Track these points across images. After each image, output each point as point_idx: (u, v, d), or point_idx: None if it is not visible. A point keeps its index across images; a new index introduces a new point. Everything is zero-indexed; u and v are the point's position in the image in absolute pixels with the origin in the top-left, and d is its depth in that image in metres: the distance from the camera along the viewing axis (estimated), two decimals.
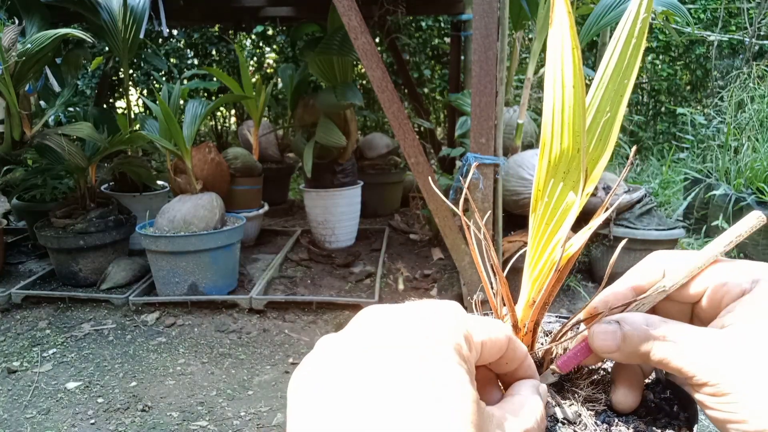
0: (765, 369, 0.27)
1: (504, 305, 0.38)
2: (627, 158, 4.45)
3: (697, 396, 0.29)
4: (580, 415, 0.34)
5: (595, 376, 0.37)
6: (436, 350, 0.23)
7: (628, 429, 0.33)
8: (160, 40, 5.67)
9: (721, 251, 0.33)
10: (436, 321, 0.24)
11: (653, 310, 0.34)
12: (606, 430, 0.33)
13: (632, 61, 0.31)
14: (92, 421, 1.74)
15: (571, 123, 0.31)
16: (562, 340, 0.37)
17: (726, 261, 0.33)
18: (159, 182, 3.27)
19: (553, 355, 0.39)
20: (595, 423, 0.33)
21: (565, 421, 0.34)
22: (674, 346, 0.29)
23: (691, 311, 0.35)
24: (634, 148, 0.40)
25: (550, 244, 0.34)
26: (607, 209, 0.35)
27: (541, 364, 0.38)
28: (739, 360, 0.27)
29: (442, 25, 5.56)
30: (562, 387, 0.36)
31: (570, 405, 0.35)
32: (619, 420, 0.34)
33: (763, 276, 0.31)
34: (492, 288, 0.39)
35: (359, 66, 4.54)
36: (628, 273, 0.36)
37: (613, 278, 0.36)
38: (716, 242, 0.33)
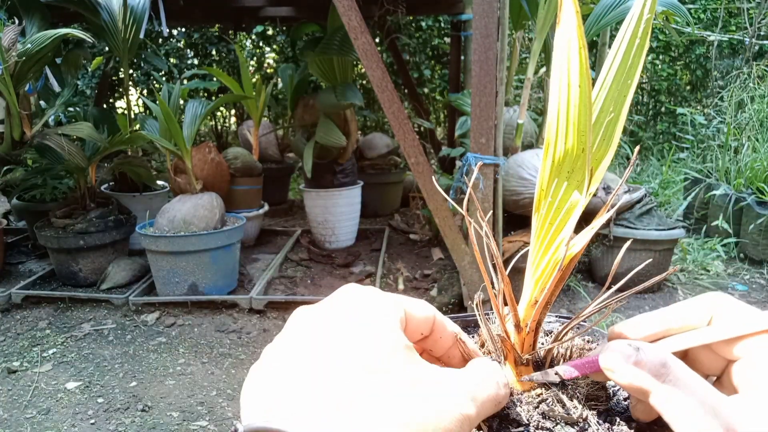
0: None
1: (506, 305, 0.38)
2: (627, 158, 4.45)
3: None
4: (582, 415, 0.34)
5: None
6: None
7: (630, 428, 0.33)
8: (160, 40, 5.67)
9: None
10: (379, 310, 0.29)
11: (685, 351, 0.32)
12: (608, 429, 0.33)
13: (636, 61, 0.31)
14: (92, 421, 1.74)
15: (576, 123, 0.31)
16: (563, 340, 0.37)
17: None
18: (159, 182, 3.27)
19: (555, 355, 0.39)
20: (598, 422, 0.33)
21: (569, 420, 0.33)
22: (672, 403, 0.27)
23: (725, 367, 0.32)
24: (636, 148, 0.40)
25: (554, 244, 0.34)
26: (610, 209, 0.35)
27: (543, 363, 0.38)
28: None
29: (442, 25, 5.56)
30: (563, 384, 0.36)
31: (573, 404, 0.35)
32: (621, 419, 0.34)
33: None
34: (494, 287, 0.39)
35: (359, 66, 4.54)
36: (675, 305, 0.33)
37: (614, 279, 0.36)
38: None
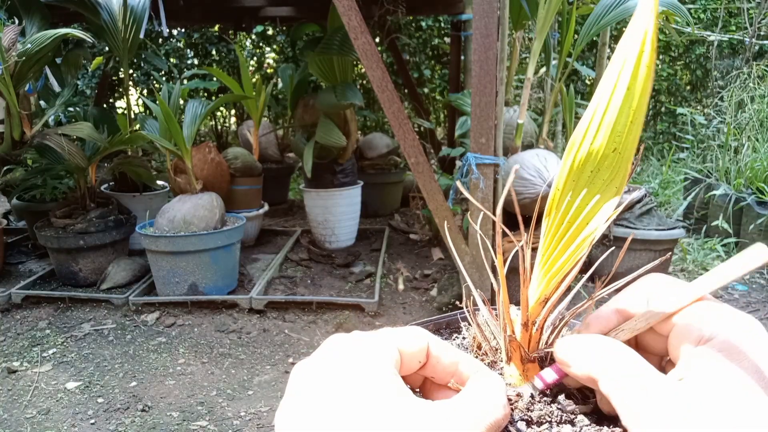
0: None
1: (509, 305, 0.38)
2: None
3: None
4: (575, 414, 0.34)
5: None
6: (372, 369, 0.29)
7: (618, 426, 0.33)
8: (160, 40, 5.67)
9: (712, 289, 0.31)
10: (374, 349, 0.30)
11: (635, 338, 0.33)
12: (598, 430, 0.33)
13: (649, 69, 0.32)
14: (92, 421, 1.74)
15: (612, 123, 0.31)
16: (562, 335, 0.38)
17: (708, 301, 0.31)
18: (159, 182, 3.27)
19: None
20: (590, 424, 0.33)
21: (562, 421, 0.33)
22: (618, 387, 0.28)
23: (664, 344, 0.33)
24: (641, 147, 0.40)
25: (575, 242, 0.35)
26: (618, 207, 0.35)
27: (545, 359, 0.38)
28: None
29: (442, 25, 5.56)
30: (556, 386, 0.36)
31: (568, 405, 0.35)
32: (610, 426, 0.33)
33: (719, 333, 0.29)
34: (497, 287, 0.39)
35: (359, 66, 4.54)
36: (618, 296, 0.35)
37: (615, 279, 0.36)
38: (709, 278, 0.32)
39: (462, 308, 0.44)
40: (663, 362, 0.34)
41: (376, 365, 0.29)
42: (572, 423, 0.33)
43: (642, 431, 0.26)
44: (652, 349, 0.33)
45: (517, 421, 0.32)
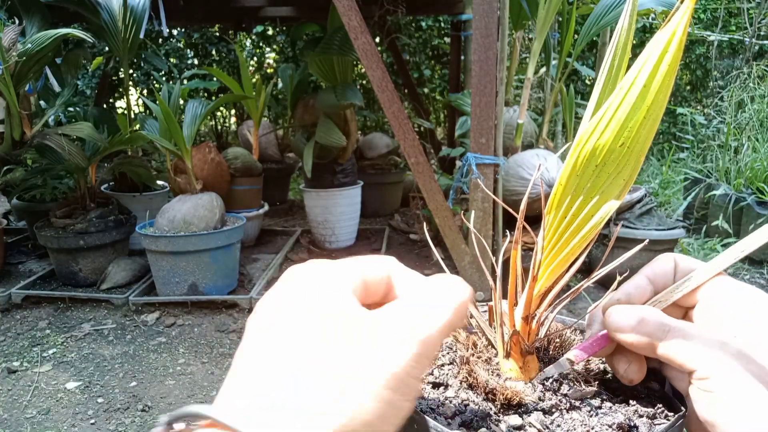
0: (738, 364, 0.31)
1: (506, 298, 0.40)
2: None
3: (691, 389, 0.32)
4: (580, 400, 0.37)
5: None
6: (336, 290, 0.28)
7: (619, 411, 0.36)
8: (160, 40, 5.67)
9: (727, 265, 0.36)
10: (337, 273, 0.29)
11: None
12: (599, 418, 0.35)
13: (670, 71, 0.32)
14: (92, 421, 1.74)
15: (621, 119, 0.32)
16: (553, 330, 0.40)
17: (725, 276, 0.36)
18: (159, 182, 3.27)
19: (555, 344, 0.42)
20: (592, 408, 0.36)
21: (568, 405, 0.36)
22: (683, 344, 0.32)
23: (683, 315, 0.37)
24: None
25: (578, 234, 0.36)
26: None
27: (541, 349, 0.41)
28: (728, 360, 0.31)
29: (442, 25, 5.56)
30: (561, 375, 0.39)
31: (573, 393, 0.37)
32: (615, 403, 0.37)
33: (745, 300, 0.34)
34: (496, 283, 0.41)
35: (359, 66, 4.53)
36: (644, 271, 0.38)
37: (613, 278, 0.37)
38: (725, 255, 0.35)
39: None
40: None
41: (335, 292, 0.27)
42: (579, 409, 0.36)
43: (717, 374, 0.30)
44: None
45: (532, 412, 0.35)
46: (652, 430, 0.34)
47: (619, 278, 0.40)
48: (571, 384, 0.38)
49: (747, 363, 0.30)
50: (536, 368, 0.39)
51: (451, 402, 0.36)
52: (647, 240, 0.48)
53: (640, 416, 0.35)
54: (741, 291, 0.35)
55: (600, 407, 0.36)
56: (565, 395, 0.37)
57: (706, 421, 0.31)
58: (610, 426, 0.34)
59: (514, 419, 0.34)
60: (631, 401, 0.37)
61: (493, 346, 0.41)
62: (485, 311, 0.44)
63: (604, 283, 2.65)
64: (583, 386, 0.38)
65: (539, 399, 0.36)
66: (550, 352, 0.42)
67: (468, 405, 0.36)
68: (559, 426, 0.34)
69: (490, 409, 0.35)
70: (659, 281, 0.37)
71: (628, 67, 0.33)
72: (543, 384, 0.38)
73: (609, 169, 0.34)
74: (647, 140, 0.33)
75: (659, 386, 0.38)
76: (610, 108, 0.32)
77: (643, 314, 0.34)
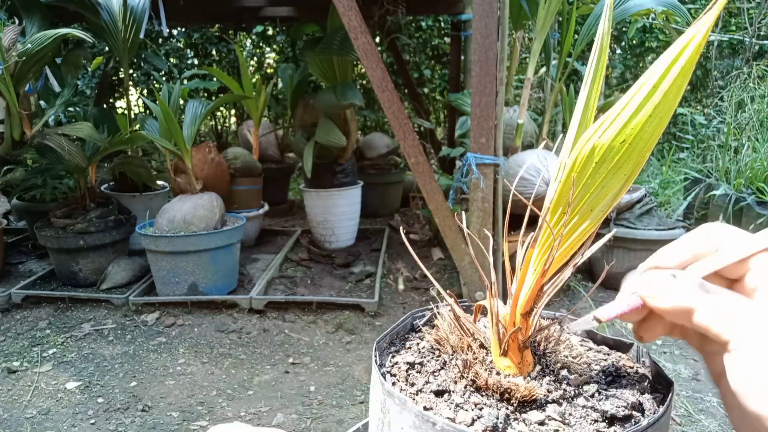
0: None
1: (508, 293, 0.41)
2: None
3: (726, 361, 0.31)
4: (587, 382, 0.38)
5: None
6: None
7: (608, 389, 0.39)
8: (160, 40, 5.67)
9: None
10: None
11: None
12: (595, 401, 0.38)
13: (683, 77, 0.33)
14: (92, 421, 1.74)
15: (625, 118, 0.33)
16: (545, 325, 0.43)
17: None
18: (159, 182, 3.27)
19: (544, 338, 0.43)
20: (592, 394, 0.38)
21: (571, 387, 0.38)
22: (721, 313, 0.30)
23: (728, 287, 0.35)
24: None
25: (578, 229, 0.37)
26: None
27: (538, 344, 0.43)
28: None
29: (442, 25, 5.56)
30: (544, 355, 0.42)
31: (575, 379, 0.39)
32: (611, 387, 0.39)
33: None
34: (491, 281, 0.42)
35: (359, 66, 4.54)
36: (685, 237, 0.36)
37: (612, 278, 0.37)
38: None
39: (430, 307, 0.48)
40: None
41: None
42: (583, 396, 0.38)
43: (755, 345, 0.29)
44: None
45: (546, 405, 0.36)
46: (655, 406, 0.36)
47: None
48: (565, 375, 0.40)
49: None
50: (531, 362, 0.39)
51: (464, 408, 0.36)
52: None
53: (642, 393, 0.37)
54: None
55: (607, 390, 0.38)
56: (568, 383, 0.38)
57: (738, 393, 0.30)
58: (624, 407, 0.36)
59: (535, 415, 0.35)
60: (622, 381, 0.38)
61: (483, 346, 0.42)
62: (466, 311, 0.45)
63: (603, 282, 2.65)
64: (578, 374, 0.40)
65: (548, 392, 0.37)
66: (540, 345, 0.42)
67: (483, 408, 0.36)
68: (571, 414, 0.35)
69: (507, 408, 0.36)
70: (701, 249, 0.35)
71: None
72: (543, 372, 0.39)
73: (609, 165, 0.34)
74: (652, 138, 0.33)
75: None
76: (616, 107, 0.33)
77: (680, 281, 0.32)
